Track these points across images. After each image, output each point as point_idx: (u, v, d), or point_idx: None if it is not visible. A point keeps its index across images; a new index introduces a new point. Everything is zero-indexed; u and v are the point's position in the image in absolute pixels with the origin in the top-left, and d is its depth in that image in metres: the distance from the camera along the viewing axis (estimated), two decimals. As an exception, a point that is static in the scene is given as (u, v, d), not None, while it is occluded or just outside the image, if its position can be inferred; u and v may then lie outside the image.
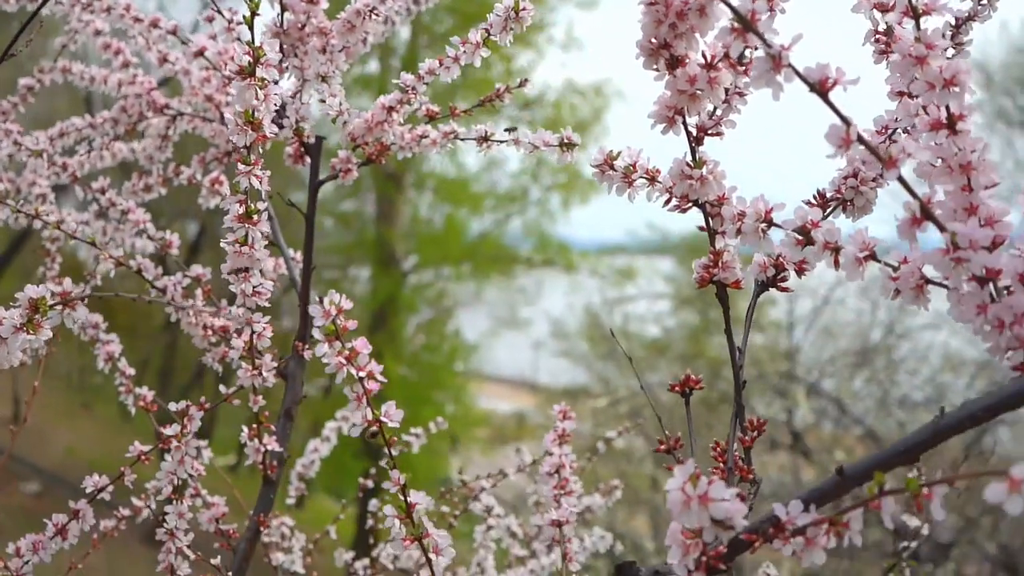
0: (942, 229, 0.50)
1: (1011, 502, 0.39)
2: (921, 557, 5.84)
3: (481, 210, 11.96)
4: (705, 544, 0.53)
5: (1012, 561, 5.79)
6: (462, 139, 0.94)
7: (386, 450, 0.63)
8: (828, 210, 0.68)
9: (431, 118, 0.97)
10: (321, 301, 0.61)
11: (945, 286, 0.53)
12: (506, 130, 0.93)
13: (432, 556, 0.64)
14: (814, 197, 0.68)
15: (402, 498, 0.64)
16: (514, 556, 1.39)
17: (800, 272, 0.66)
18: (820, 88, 0.50)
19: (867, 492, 0.48)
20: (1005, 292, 0.52)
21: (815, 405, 6.05)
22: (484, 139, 0.93)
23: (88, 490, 0.91)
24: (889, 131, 0.69)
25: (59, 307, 0.65)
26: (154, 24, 1.09)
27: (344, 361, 0.61)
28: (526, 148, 0.88)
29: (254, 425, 0.94)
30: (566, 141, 0.84)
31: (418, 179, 11.95)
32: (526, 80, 0.99)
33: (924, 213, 0.51)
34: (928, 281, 0.54)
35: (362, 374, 0.62)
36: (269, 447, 0.95)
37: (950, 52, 0.71)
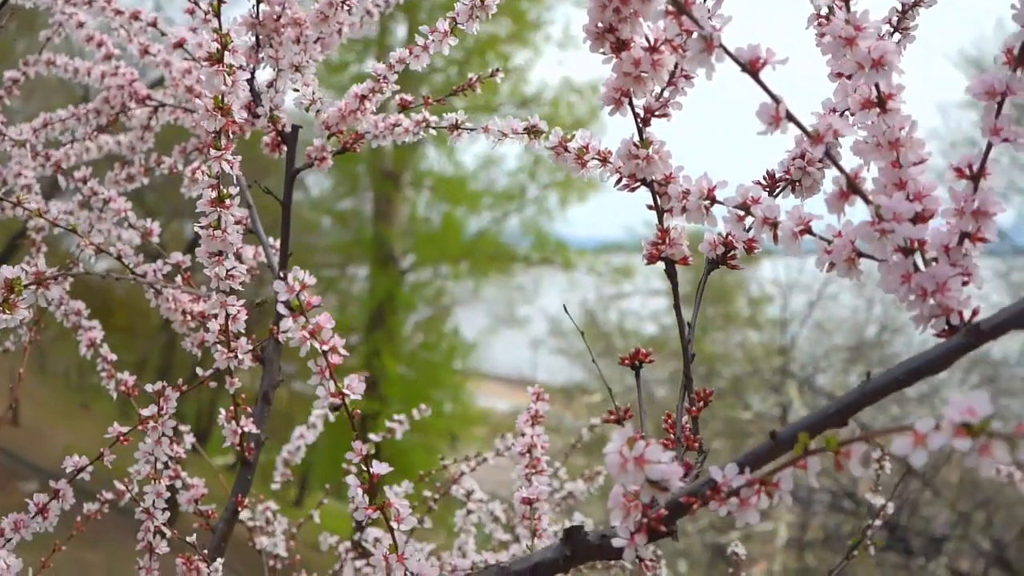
0: (868, 202, 0.53)
1: (915, 455, 0.41)
2: (915, 551, 5.87)
3: (479, 208, 11.98)
4: (646, 506, 0.55)
5: (1005, 555, 5.82)
6: (433, 127, 0.97)
7: (350, 423, 0.66)
8: (777, 190, 0.70)
9: (404, 107, 1.00)
10: (285, 278, 0.63)
11: (875, 258, 0.55)
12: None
13: (394, 524, 0.66)
14: (763, 177, 0.70)
15: (365, 469, 0.66)
16: (497, 541, 1.42)
17: (749, 250, 0.69)
18: (751, 68, 0.52)
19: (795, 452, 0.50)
20: (933, 263, 0.54)
21: (810, 401, 6.08)
22: (455, 127, 0.95)
23: (68, 470, 0.93)
24: (837, 113, 0.71)
25: (33, 287, 0.68)
26: (135, 16, 1.11)
27: (308, 335, 0.64)
28: (495, 136, 0.90)
29: (231, 407, 0.97)
30: (532, 128, 0.86)
31: (415, 178, 11.98)
32: (498, 70, 1.01)
33: (851, 187, 0.53)
34: (860, 254, 0.56)
35: (325, 348, 0.64)
36: (246, 429, 0.98)
37: (896, 37, 0.73)
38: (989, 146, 0.54)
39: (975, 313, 0.52)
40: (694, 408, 0.64)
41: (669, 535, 0.58)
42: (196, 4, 0.98)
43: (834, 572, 1.11)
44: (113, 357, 1.11)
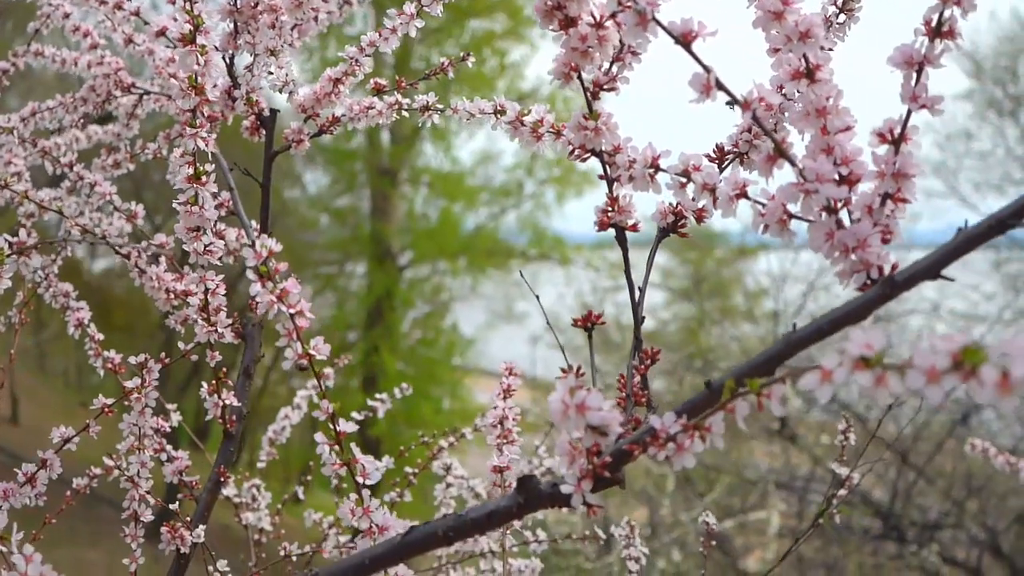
0: (793, 165, 0.56)
1: (821, 391, 0.45)
2: (908, 539, 5.92)
3: (476, 204, 12.01)
4: (590, 453, 0.58)
5: (998, 543, 5.87)
6: (406, 109, 1.00)
7: (316, 381, 0.69)
8: (726, 162, 0.74)
9: (378, 91, 1.03)
10: (253, 245, 0.66)
11: (804, 219, 0.59)
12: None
13: (360, 479, 0.70)
14: (712, 150, 0.74)
15: (331, 427, 0.70)
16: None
17: (699, 219, 0.72)
18: (684, 40, 0.56)
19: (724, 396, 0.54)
20: (857, 223, 0.58)
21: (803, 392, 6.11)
22: (426, 108, 0.98)
23: (55, 441, 0.97)
24: (783, 89, 0.75)
25: (15, 256, 0.71)
26: (118, 6, 1.14)
27: (275, 299, 0.67)
28: (463, 116, 0.94)
29: (213, 381, 1.00)
30: (499, 108, 0.90)
31: (413, 174, 12.01)
32: (469, 54, 1.04)
33: (778, 151, 0.57)
34: (791, 215, 0.60)
35: (292, 311, 0.67)
36: (228, 402, 1.01)
37: (841, 18, 0.77)
38: (909, 112, 0.57)
39: (894, 268, 0.56)
40: (643, 366, 0.67)
41: (615, 483, 0.62)
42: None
43: (800, 540, 1.15)
44: (100, 336, 1.14)
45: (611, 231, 0.73)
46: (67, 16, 1.24)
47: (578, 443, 0.58)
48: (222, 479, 1.04)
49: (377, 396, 1.43)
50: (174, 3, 1.10)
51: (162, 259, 1.08)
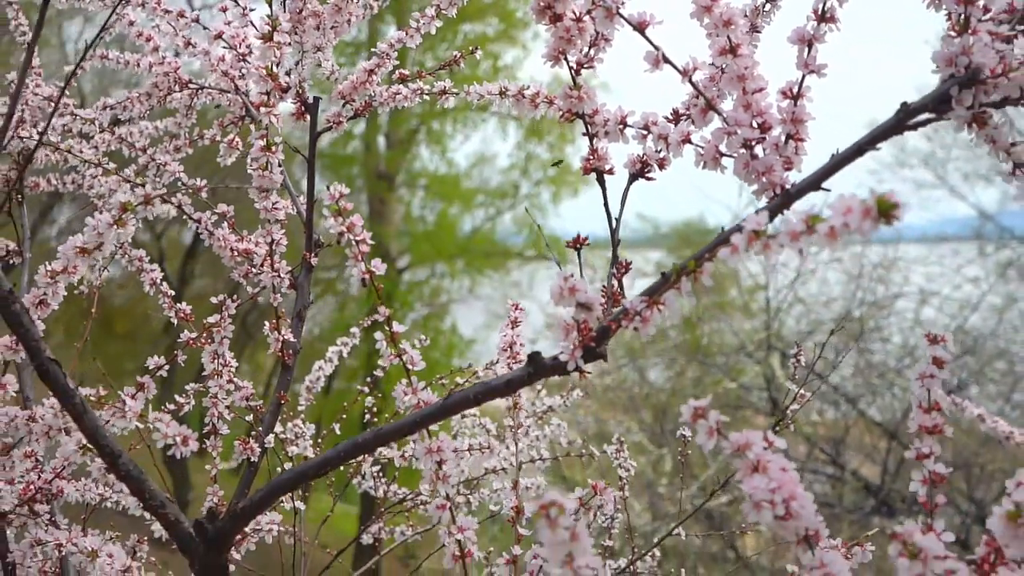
0: (720, 116, 0.79)
1: (731, 259, 0.67)
2: (896, 513, 6.15)
3: (472, 206, 12.23)
4: (581, 329, 0.80)
5: (985, 515, 6.09)
6: (427, 94, 1.23)
7: (374, 290, 0.91)
8: (680, 121, 0.96)
9: (403, 80, 1.26)
10: (329, 188, 0.89)
11: (729, 155, 0.81)
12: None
13: (409, 367, 0.92)
14: (671, 112, 0.96)
15: (388, 328, 0.92)
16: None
17: (661, 166, 0.95)
18: (640, 27, 0.78)
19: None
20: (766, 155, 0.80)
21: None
22: (443, 92, 1.21)
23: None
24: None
25: (142, 206, 0.93)
26: (180, 15, 1.37)
27: (345, 230, 0.90)
28: (474, 98, 1.16)
29: (275, 320, 1.22)
30: (503, 90, 1.12)
31: (409, 178, 12.23)
32: (476, 48, 1.27)
33: (708, 106, 0.80)
34: (721, 153, 0.82)
35: (358, 238, 0.90)
36: (286, 338, 1.23)
37: (768, 7, 0.99)
38: (803, 76, 0.80)
39: (792, 186, 0.78)
40: (619, 274, 0.90)
41: (600, 356, 0.84)
42: (236, 1, 1.24)
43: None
44: (172, 293, 1.37)
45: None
46: (132, 24, 1.46)
47: (572, 323, 0.80)
48: (282, 402, 1.26)
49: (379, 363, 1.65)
50: (226, 11, 1.33)
51: (224, 224, 1.30)
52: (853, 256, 7.41)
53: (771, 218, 0.69)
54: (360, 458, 1.72)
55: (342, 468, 1.83)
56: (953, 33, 0.72)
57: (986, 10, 0.72)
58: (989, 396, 6.77)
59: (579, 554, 0.62)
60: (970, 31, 0.71)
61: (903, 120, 0.72)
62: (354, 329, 1.74)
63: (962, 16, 0.71)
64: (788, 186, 0.78)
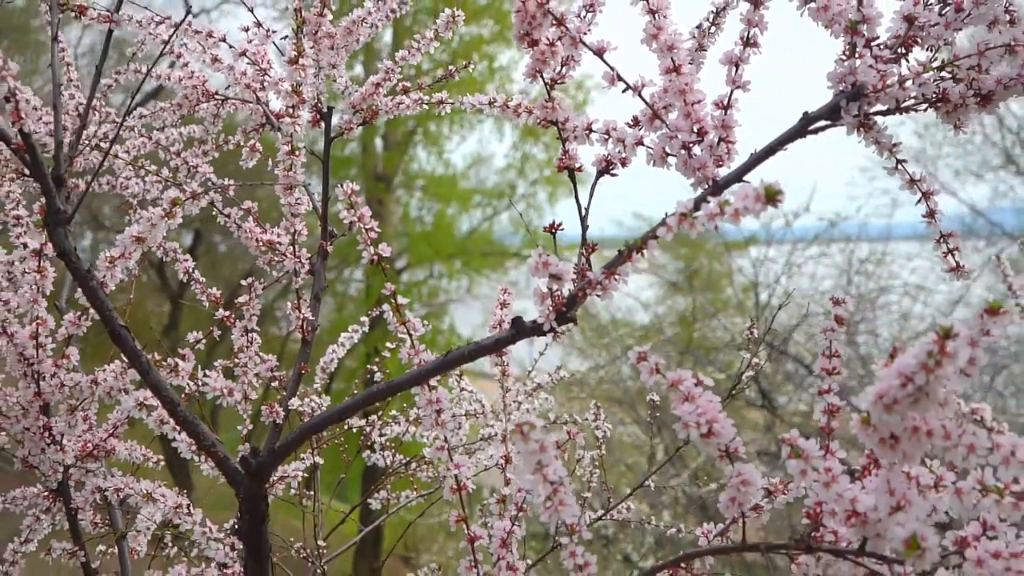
0: (663, 122, 0.98)
1: (685, 228, 0.86)
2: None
3: (469, 206, 12.41)
4: (554, 296, 0.99)
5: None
6: (426, 104, 1.42)
7: (383, 272, 1.10)
8: (640, 127, 1.15)
9: (405, 91, 1.44)
10: (342, 185, 1.07)
11: (673, 155, 1.00)
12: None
13: (411, 333, 1.11)
14: (631, 119, 1.15)
15: (394, 301, 1.11)
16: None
17: (623, 164, 1.13)
18: (598, 52, 0.97)
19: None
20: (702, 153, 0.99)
21: (783, 367, 6.57)
22: (441, 102, 1.40)
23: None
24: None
25: (189, 200, 1.12)
26: (209, 35, 1.55)
27: (356, 219, 1.08)
28: (468, 107, 1.35)
29: (296, 300, 1.41)
30: (491, 101, 1.31)
31: (407, 179, 12.40)
32: (470, 62, 1.46)
33: (654, 115, 0.98)
34: (667, 153, 1.01)
35: (367, 227, 1.08)
36: (306, 316, 1.42)
37: (712, 29, 1.18)
38: (732, 91, 0.99)
39: (721, 179, 0.97)
40: (588, 253, 1.09)
41: (570, 320, 1.02)
42: (258, 24, 1.43)
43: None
44: (203, 280, 1.55)
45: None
46: (165, 42, 1.65)
47: (548, 291, 0.99)
48: (303, 372, 1.45)
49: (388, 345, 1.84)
50: (247, 31, 1.51)
51: (250, 218, 1.49)
52: (843, 253, 7.62)
53: (697, 205, 0.87)
54: (369, 430, 1.91)
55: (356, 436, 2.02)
56: (844, 57, 0.91)
57: (871, 41, 0.91)
58: (973, 385, 6.97)
59: (547, 463, 0.81)
60: (856, 55, 0.90)
61: (805, 126, 0.91)
62: (364, 318, 1.93)
63: (850, 43, 0.90)
64: (718, 179, 0.97)
